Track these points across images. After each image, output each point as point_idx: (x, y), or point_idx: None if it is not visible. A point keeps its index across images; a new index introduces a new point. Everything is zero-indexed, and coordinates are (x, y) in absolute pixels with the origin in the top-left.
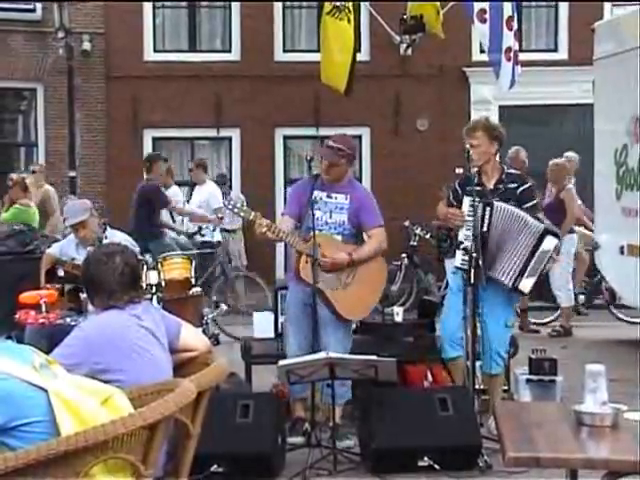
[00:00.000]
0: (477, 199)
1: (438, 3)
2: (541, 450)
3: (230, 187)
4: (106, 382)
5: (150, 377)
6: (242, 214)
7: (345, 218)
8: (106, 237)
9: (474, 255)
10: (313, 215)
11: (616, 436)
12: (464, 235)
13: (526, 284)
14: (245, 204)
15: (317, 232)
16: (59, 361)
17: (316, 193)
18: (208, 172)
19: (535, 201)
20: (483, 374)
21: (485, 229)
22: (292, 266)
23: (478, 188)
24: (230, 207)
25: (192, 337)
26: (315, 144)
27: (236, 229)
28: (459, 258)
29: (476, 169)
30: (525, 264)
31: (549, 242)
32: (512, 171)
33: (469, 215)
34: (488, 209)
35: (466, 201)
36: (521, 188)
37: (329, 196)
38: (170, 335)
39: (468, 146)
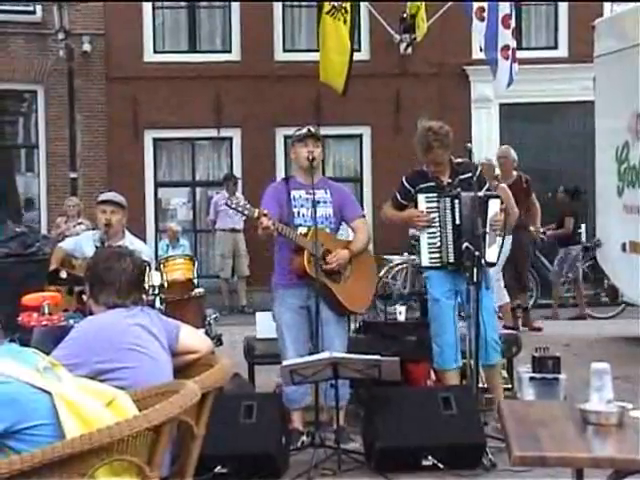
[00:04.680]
0: (435, 194)
1: (423, 4)
2: (547, 449)
3: (235, 185)
4: (107, 382)
5: (151, 376)
6: (246, 212)
7: (330, 211)
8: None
9: (476, 253)
10: (315, 212)
11: (622, 435)
12: (429, 234)
13: (491, 254)
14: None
15: (312, 227)
16: (59, 362)
17: (294, 193)
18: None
19: (487, 185)
20: (483, 367)
21: (458, 222)
22: (285, 269)
23: (432, 184)
24: (234, 206)
25: (192, 338)
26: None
27: (240, 229)
28: (426, 257)
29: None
30: (484, 236)
31: (494, 205)
32: (460, 160)
33: (431, 212)
34: (457, 201)
35: (421, 199)
36: (475, 176)
37: (308, 193)
38: (169, 337)
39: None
